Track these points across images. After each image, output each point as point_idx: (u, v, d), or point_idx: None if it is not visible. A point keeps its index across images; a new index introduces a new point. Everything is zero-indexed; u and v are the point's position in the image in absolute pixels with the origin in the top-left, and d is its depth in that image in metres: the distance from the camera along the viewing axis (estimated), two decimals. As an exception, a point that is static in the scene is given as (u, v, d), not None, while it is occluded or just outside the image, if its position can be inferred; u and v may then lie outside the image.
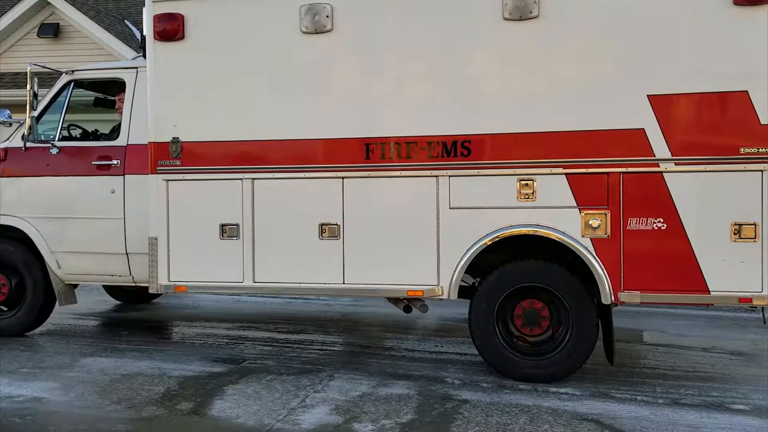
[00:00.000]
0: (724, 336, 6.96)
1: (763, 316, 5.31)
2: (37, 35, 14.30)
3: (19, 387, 5.11)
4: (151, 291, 5.87)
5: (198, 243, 5.69)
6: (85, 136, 6.83)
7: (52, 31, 14.15)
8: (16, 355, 6.00)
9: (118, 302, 8.53)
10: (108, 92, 7.03)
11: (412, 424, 4.37)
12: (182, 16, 5.61)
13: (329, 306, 8.28)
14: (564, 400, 4.81)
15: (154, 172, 5.74)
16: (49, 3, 14.10)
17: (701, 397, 4.93)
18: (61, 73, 6.63)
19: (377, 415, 4.50)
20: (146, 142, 5.80)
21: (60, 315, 7.81)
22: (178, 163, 5.69)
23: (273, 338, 6.69)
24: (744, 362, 5.98)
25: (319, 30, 5.36)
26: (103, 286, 8.25)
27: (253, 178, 5.57)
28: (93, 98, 7.15)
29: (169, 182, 5.71)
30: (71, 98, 6.60)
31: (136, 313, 8.10)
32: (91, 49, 13.83)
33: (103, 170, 6.35)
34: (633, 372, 5.60)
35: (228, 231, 5.64)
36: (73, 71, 6.61)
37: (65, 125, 6.62)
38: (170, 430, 4.34)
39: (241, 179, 5.59)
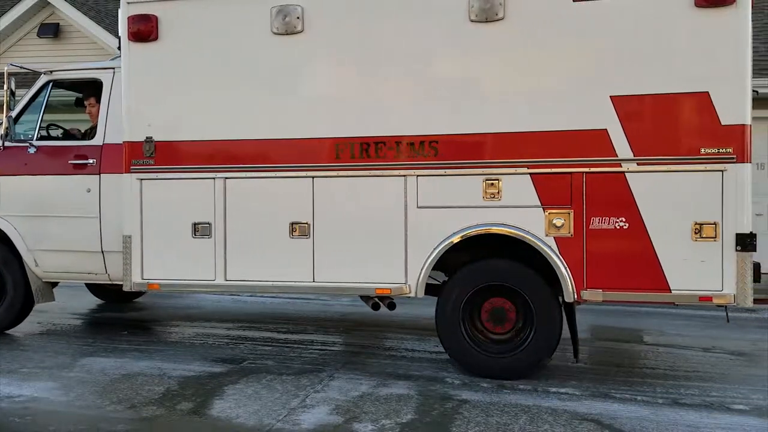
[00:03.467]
0: (724, 336, 6.96)
1: (727, 315, 5.41)
2: (37, 35, 14.27)
3: (19, 387, 5.11)
4: (124, 289, 5.97)
5: (171, 241, 5.79)
6: (64, 135, 6.89)
7: (52, 31, 14.13)
8: (16, 355, 6.00)
9: (117, 302, 8.53)
10: (87, 92, 7.06)
11: (412, 424, 4.37)
12: (156, 17, 5.70)
13: (329, 306, 8.28)
14: (564, 400, 4.81)
15: (128, 171, 5.84)
16: (49, 3, 14.07)
17: (701, 397, 4.93)
18: (40, 74, 6.68)
19: (377, 415, 4.50)
20: (122, 142, 5.89)
21: (60, 315, 7.82)
22: (151, 162, 5.78)
23: (273, 338, 6.69)
24: (744, 362, 5.98)
25: (289, 31, 5.45)
26: (85, 284, 8.28)
27: (226, 177, 5.66)
28: (73, 98, 7.18)
29: (143, 181, 5.81)
30: (50, 98, 6.67)
31: (136, 313, 8.10)
32: (91, 49, 13.80)
33: (80, 169, 6.42)
34: (633, 372, 5.60)
35: (200, 230, 5.72)
36: (51, 72, 6.68)
37: (44, 125, 6.70)
38: (170, 430, 4.34)
39: (213, 178, 5.68)
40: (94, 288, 8.49)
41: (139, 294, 8.43)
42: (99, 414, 4.56)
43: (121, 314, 8.08)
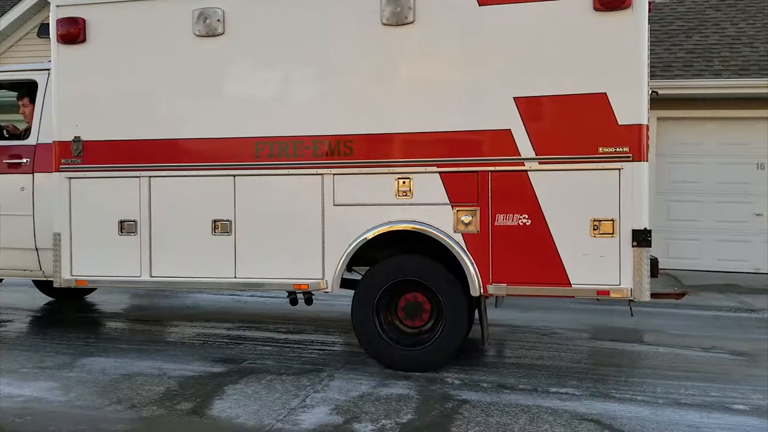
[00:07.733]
0: (724, 336, 6.96)
1: (630, 309, 5.60)
2: (37, 35, 14.28)
3: (19, 387, 5.11)
4: (55, 285, 6.08)
5: (98, 239, 5.94)
6: (12, 136, 6.96)
7: (52, 31, 14.13)
8: (16, 355, 6.00)
9: (112, 303, 8.53)
10: (22, 93, 7.06)
11: (412, 424, 4.37)
12: (84, 20, 5.88)
13: (329, 306, 8.27)
14: (564, 400, 4.82)
15: (58, 170, 6.01)
16: (49, 3, 14.08)
17: (701, 397, 4.94)
18: None
19: (377, 415, 4.50)
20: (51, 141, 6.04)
21: (60, 315, 7.82)
22: (79, 161, 5.94)
23: (273, 338, 6.69)
24: (744, 362, 5.98)
25: (211, 33, 5.62)
26: (33, 281, 8.35)
27: (150, 176, 5.80)
28: (14, 98, 7.25)
29: (72, 180, 5.96)
30: None
31: (136, 313, 8.11)
32: (91, 49, 13.79)
33: (14, 168, 6.58)
34: (633, 372, 5.60)
35: (126, 227, 5.88)
36: None
37: None
38: (170, 430, 4.34)
39: (138, 177, 5.83)
40: (41, 285, 8.54)
41: (88, 291, 8.49)
42: (99, 414, 4.56)
43: (122, 314, 8.09)
